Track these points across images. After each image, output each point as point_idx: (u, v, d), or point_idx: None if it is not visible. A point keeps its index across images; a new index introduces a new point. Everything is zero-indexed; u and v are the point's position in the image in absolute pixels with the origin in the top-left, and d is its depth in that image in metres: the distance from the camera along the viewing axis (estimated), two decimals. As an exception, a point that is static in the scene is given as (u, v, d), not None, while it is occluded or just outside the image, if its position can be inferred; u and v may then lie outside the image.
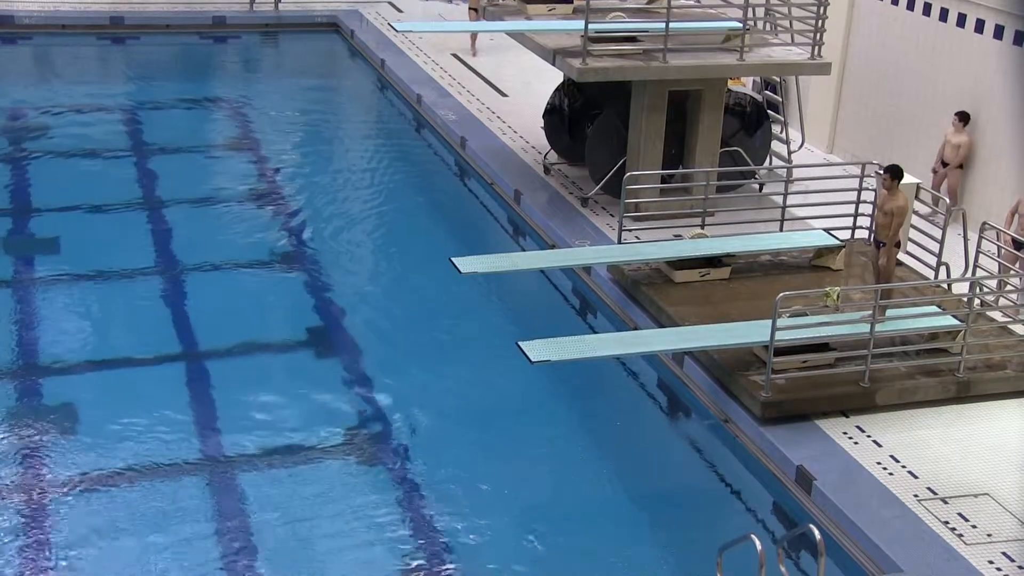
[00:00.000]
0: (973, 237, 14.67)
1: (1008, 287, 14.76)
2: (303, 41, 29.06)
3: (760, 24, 19.33)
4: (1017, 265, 14.57)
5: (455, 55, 26.13)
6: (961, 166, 17.46)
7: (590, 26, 16.67)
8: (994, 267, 14.72)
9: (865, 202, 16.16)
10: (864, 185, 16.12)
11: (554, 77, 20.10)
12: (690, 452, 13.34)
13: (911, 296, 14.30)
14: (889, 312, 13.33)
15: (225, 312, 15.75)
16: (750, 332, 13.13)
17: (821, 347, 13.06)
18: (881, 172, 14.23)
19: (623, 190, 15.87)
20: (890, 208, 13.78)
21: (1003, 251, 14.69)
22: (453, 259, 14.71)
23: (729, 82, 18.66)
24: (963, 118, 17.33)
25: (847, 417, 12.70)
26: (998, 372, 13.32)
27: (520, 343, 12.63)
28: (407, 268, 17.44)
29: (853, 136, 20.29)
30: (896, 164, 14.15)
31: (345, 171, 21.24)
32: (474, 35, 25.48)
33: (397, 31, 25.13)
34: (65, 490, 11.83)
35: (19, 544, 11.04)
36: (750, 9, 17.66)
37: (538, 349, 12.52)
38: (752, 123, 18.98)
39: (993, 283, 14.58)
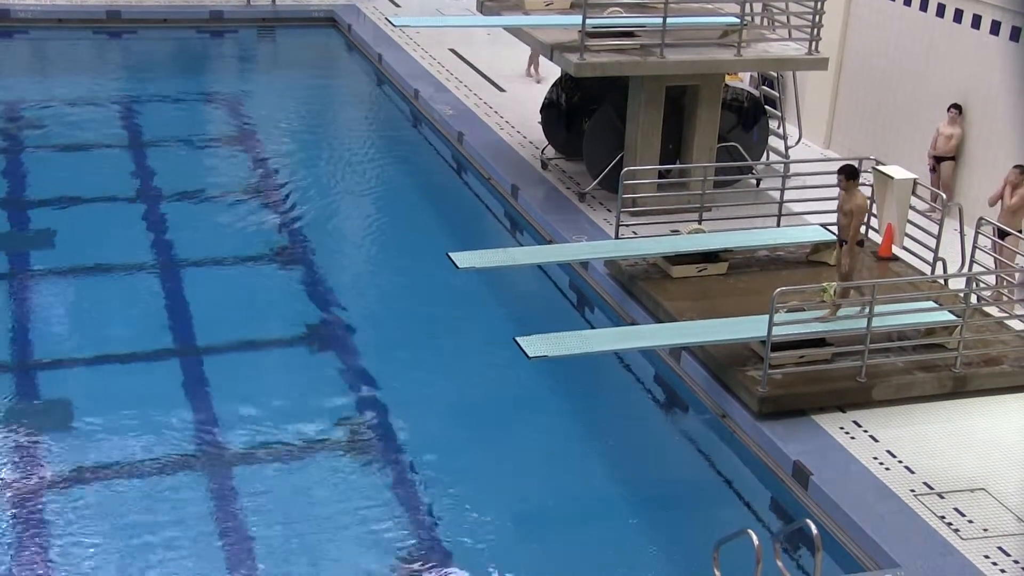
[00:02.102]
0: (969, 232, 14.68)
1: (1005, 282, 14.77)
2: (300, 36, 29.04)
3: (757, 19, 19.32)
4: (1002, 254, 14.58)
5: (452, 50, 26.11)
6: (954, 158, 17.50)
7: (588, 21, 16.67)
8: (990, 262, 14.74)
9: (861, 197, 16.15)
10: (860, 181, 16.06)
11: (552, 72, 20.10)
12: (687, 447, 13.35)
13: (907, 291, 14.30)
14: (885, 308, 13.30)
15: (221, 307, 15.74)
16: (747, 327, 13.14)
17: (818, 342, 13.07)
18: (838, 173, 13.86)
19: (620, 185, 15.87)
20: (849, 208, 13.54)
21: (997, 245, 14.69)
22: (450, 254, 14.71)
23: (726, 77, 18.66)
24: (959, 110, 17.40)
25: (844, 412, 12.72)
26: (995, 367, 13.33)
27: (517, 339, 12.63)
28: (404, 263, 17.42)
29: (850, 131, 20.29)
30: (850, 164, 13.75)
31: (342, 166, 21.22)
32: (536, 60, 24.62)
33: (394, 26, 25.16)
34: (58, 485, 11.82)
35: (12, 541, 11.03)
36: (747, 4, 17.65)
37: (535, 345, 12.52)
38: (749, 118, 18.98)
39: (990, 278, 14.60)
